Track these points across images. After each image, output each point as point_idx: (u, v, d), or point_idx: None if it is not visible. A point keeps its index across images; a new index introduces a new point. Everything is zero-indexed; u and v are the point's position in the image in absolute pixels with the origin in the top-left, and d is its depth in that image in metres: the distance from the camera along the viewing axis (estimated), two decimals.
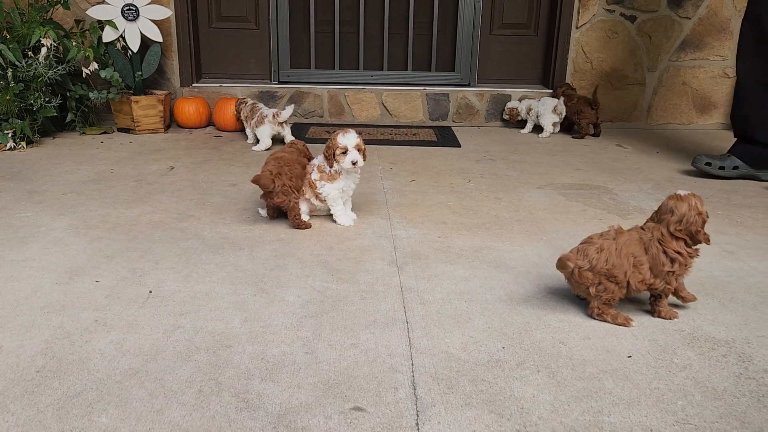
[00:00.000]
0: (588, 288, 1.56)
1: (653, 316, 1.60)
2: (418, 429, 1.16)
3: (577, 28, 3.89)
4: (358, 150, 2.11)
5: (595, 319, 1.58)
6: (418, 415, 1.20)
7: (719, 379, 1.33)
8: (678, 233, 1.53)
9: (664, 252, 1.53)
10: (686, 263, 1.55)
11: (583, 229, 2.22)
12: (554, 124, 3.76)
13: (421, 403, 1.24)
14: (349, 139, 2.11)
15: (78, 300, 1.63)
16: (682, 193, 1.56)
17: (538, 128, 3.84)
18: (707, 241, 1.53)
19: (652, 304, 1.61)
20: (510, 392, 1.28)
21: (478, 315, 1.60)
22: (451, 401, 1.24)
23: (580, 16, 3.87)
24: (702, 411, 1.23)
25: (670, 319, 1.59)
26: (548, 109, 3.72)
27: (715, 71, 3.99)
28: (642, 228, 1.60)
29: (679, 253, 1.53)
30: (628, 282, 1.54)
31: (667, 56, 3.95)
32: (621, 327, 1.54)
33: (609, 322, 1.56)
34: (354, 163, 2.10)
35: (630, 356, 1.42)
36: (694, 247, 1.56)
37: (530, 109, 3.80)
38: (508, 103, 3.90)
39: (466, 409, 1.22)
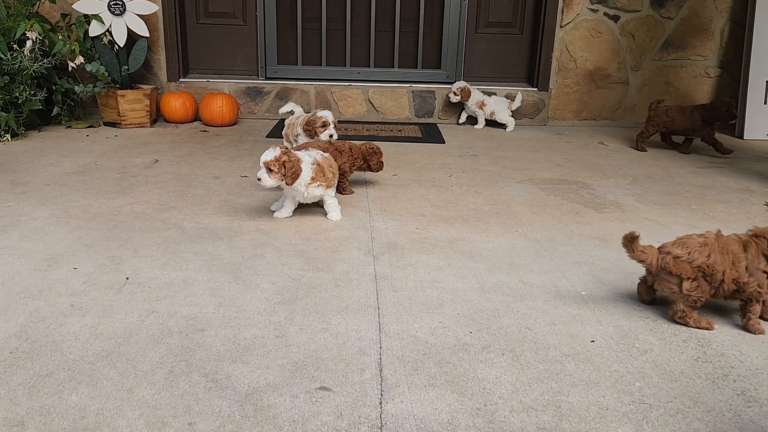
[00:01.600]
0: (681, 283, 1.48)
1: (743, 325, 1.53)
2: (381, 407, 1.19)
3: (561, 27, 3.94)
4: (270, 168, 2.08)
5: (677, 322, 1.52)
6: (382, 395, 1.23)
7: (677, 363, 1.37)
8: None
9: (764, 253, 1.49)
10: None
11: (559, 221, 2.26)
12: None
13: (386, 384, 1.27)
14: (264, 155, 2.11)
15: (55, 286, 1.65)
16: None
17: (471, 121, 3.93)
18: None
19: (743, 309, 1.53)
20: (473, 374, 1.31)
21: (448, 302, 1.63)
22: (415, 382, 1.28)
23: (564, 15, 3.92)
24: (658, 392, 1.26)
25: (759, 333, 1.50)
26: (504, 108, 3.84)
27: (697, 71, 4.04)
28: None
29: None
30: (723, 280, 1.48)
31: (650, 56, 4.00)
32: (585, 314, 1.58)
33: (691, 326, 1.51)
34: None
35: (593, 341, 1.45)
36: None
37: (484, 104, 3.86)
38: (457, 83, 3.89)
39: (430, 389, 1.25)
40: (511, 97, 3.92)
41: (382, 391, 1.24)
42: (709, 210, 2.45)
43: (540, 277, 1.79)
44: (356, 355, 1.37)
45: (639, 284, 1.66)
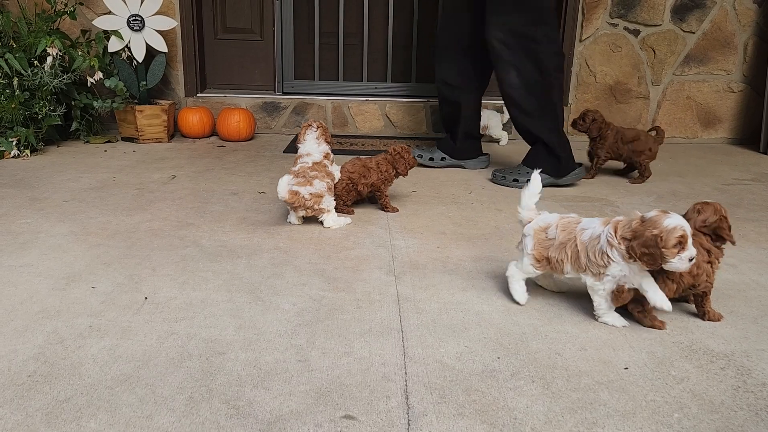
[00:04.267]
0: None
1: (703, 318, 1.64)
2: None
3: (580, 41, 3.90)
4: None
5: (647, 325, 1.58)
6: (409, 425, 1.19)
7: (717, 392, 1.31)
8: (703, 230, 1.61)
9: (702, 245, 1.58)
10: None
11: None
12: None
13: (413, 413, 1.22)
14: None
15: (73, 306, 1.63)
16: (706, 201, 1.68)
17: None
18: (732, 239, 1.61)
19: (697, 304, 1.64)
20: (503, 402, 1.26)
21: (474, 325, 1.58)
22: (443, 411, 1.23)
23: (583, 29, 3.88)
24: (698, 424, 1.21)
25: (719, 319, 1.63)
26: (498, 122, 3.78)
27: (719, 85, 3.98)
28: None
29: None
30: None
31: (671, 70, 3.95)
32: (617, 339, 1.52)
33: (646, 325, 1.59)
34: None
35: (627, 368, 1.40)
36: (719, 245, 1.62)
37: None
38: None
39: (459, 419, 1.20)
40: (500, 110, 3.85)
41: (409, 420, 1.20)
42: (738, 229, 2.38)
43: (567, 299, 1.74)
44: (381, 382, 1.32)
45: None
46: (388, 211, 2.48)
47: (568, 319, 1.62)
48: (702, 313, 1.62)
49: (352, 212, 2.44)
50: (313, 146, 2.32)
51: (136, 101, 3.63)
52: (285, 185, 2.17)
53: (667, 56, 3.92)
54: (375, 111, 3.99)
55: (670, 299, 1.52)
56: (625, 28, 3.88)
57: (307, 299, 1.70)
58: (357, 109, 3.99)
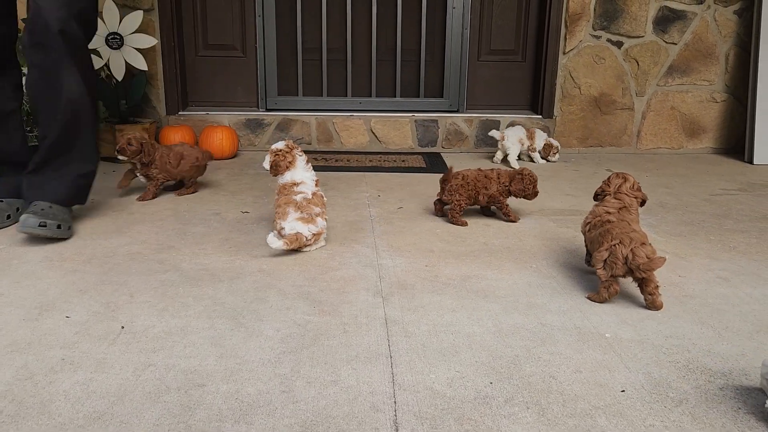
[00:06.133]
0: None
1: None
2: None
3: (564, 53, 3.90)
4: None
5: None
6: None
7: (717, 415, 1.27)
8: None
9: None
10: None
11: (574, 256, 2.17)
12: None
13: None
14: None
15: (45, 337, 1.55)
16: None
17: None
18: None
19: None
20: (498, 431, 1.21)
21: (465, 348, 1.53)
22: None
23: (567, 41, 3.88)
24: None
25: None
26: (515, 150, 3.58)
27: (702, 96, 3.99)
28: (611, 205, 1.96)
29: None
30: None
31: (654, 81, 3.96)
32: (612, 360, 1.48)
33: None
34: None
35: (623, 390, 1.35)
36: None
37: (503, 141, 3.59)
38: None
39: None
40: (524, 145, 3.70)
41: None
42: (728, 240, 2.36)
43: (560, 318, 1.69)
44: (369, 412, 1.26)
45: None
46: (511, 220, 2.56)
47: (562, 340, 1.57)
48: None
49: (465, 224, 2.51)
50: (306, 174, 2.24)
51: (116, 120, 3.56)
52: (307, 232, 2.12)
53: (650, 67, 3.93)
54: (360, 126, 3.95)
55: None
56: (608, 40, 3.88)
57: (292, 324, 1.64)
58: (342, 124, 3.95)
